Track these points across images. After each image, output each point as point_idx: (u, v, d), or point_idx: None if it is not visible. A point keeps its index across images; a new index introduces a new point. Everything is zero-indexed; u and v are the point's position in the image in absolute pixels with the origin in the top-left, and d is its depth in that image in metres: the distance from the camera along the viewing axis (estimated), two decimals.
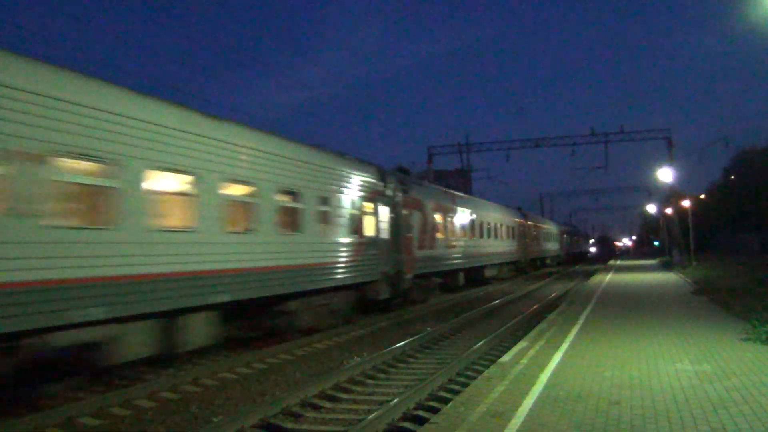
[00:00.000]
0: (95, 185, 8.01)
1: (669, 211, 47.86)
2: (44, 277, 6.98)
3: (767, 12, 13.07)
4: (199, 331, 9.67)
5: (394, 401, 7.53)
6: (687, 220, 37.95)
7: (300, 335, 12.66)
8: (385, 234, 16.45)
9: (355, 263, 14.52)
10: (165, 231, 8.94)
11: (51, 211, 7.17)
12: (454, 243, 23.43)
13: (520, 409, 6.16)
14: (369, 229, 15.54)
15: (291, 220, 12.11)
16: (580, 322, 12.87)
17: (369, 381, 9.56)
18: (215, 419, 7.47)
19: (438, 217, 21.73)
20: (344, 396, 8.58)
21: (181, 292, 9.02)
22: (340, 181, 14.18)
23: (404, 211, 18.05)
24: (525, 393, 6.82)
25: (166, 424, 7.41)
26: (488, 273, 29.56)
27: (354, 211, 14.65)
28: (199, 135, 9.70)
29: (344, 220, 14.12)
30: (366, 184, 15.51)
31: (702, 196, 65.28)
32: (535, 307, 19.19)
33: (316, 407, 8.00)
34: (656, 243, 78.80)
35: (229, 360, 10.71)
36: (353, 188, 14.79)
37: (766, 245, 52.21)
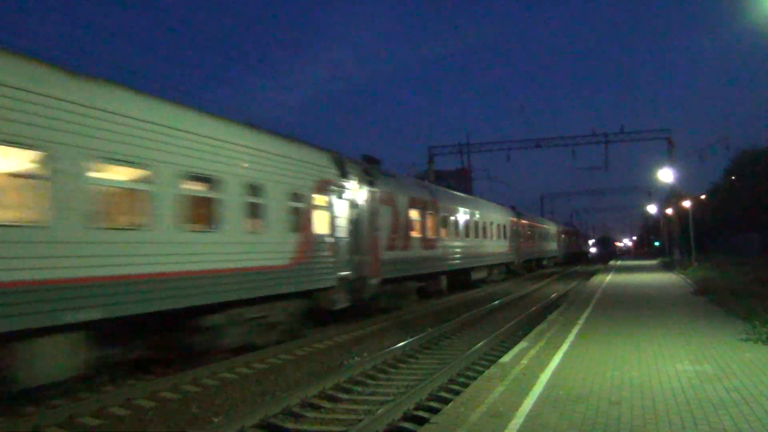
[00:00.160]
0: None
1: (669, 211, 47.87)
2: None
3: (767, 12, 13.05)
4: (50, 360, 7.34)
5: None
6: (687, 221, 37.95)
7: (232, 354, 10.76)
8: (343, 232, 14.15)
9: (302, 267, 12.21)
10: None
11: None
12: (434, 243, 20.89)
13: (521, 410, 6.15)
14: (321, 226, 13.16)
15: (204, 213, 9.87)
16: (581, 322, 12.86)
17: (369, 381, 9.56)
18: (216, 419, 7.49)
19: (413, 214, 19.18)
20: (344, 396, 8.58)
21: (18, 309, 6.71)
22: (278, 167, 11.69)
23: (369, 206, 15.72)
24: (525, 393, 6.82)
25: (166, 424, 7.41)
26: (476, 276, 27.06)
27: (299, 205, 12.31)
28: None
29: (283, 215, 11.75)
30: (316, 173, 13.14)
31: (703, 197, 65.22)
32: (535, 307, 19.18)
33: (316, 407, 8.01)
34: (657, 243, 78.78)
35: (229, 360, 10.71)
36: (298, 177, 12.36)
37: (766, 246, 52.17)
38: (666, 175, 37.63)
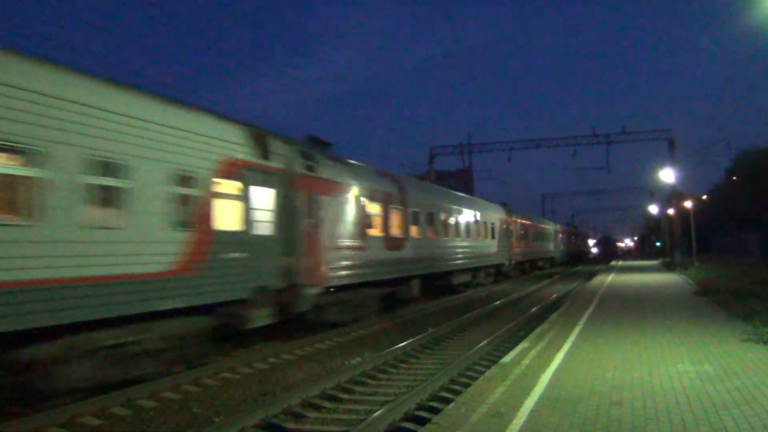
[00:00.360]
0: None
1: (671, 211, 47.82)
2: None
3: None
4: None
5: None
6: (689, 221, 37.90)
7: (70, 397, 7.81)
8: (265, 229, 11.34)
9: (194, 274, 9.32)
10: None
11: None
12: (402, 243, 17.73)
13: (522, 410, 6.15)
14: (228, 220, 10.42)
15: (10, 198, 7.01)
16: (582, 323, 12.85)
17: (370, 381, 9.56)
18: (216, 419, 7.49)
19: (374, 208, 16.10)
20: (345, 396, 8.58)
21: None
22: (152, 139, 8.81)
23: (308, 198, 12.72)
24: (526, 394, 6.82)
25: (167, 425, 7.42)
26: (458, 280, 24.03)
27: (190, 192, 9.44)
28: None
29: (162, 205, 8.91)
30: (221, 151, 10.21)
31: (704, 197, 65.24)
32: (536, 308, 19.18)
33: (317, 407, 8.01)
34: (658, 244, 78.71)
35: (230, 360, 10.71)
36: (189, 155, 9.45)
37: (767, 246, 52.13)
38: (667, 175, 37.61)
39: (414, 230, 18.89)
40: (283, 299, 11.81)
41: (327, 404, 8.16)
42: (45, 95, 7.24)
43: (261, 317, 11.20)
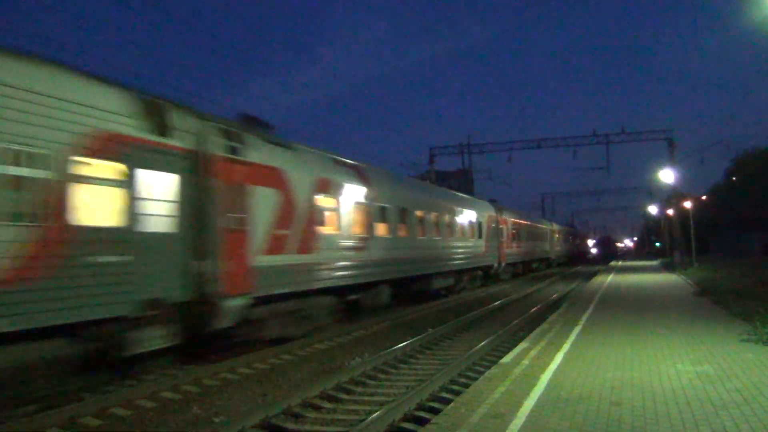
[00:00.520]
0: None
1: (670, 212, 47.83)
2: None
3: None
4: None
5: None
6: (688, 221, 37.92)
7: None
8: (160, 225, 9.09)
9: (36, 285, 7.04)
10: None
11: None
12: (364, 242, 15.24)
13: (521, 410, 6.16)
14: (98, 213, 8.21)
15: None
16: (582, 323, 12.86)
17: (370, 381, 9.56)
18: (216, 419, 7.51)
19: (327, 202, 13.70)
20: (345, 397, 8.59)
21: None
22: None
23: (230, 186, 10.30)
24: (526, 394, 6.82)
25: (167, 425, 7.42)
26: (438, 284, 21.60)
27: (31, 173, 7.13)
28: None
29: None
30: (87, 122, 7.88)
31: (703, 197, 65.23)
32: (536, 308, 19.19)
33: (317, 408, 8.02)
34: (658, 244, 78.76)
35: (230, 360, 10.71)
36: (28, 123, 7.10)
37: (767, 246, 52.16)
38: (667, 175, 37.62)
39: (381, 228, 16.61)
40: (192, 314, 9.51)
41: (327, 405, 8.16)
42: None
43: (153, 339, 8.83)
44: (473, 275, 26.84)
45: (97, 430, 7.26)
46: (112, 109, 8.38)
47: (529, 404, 6.39)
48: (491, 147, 43.18)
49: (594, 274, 36.50)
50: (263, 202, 11.23)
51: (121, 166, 8.44)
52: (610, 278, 29.41)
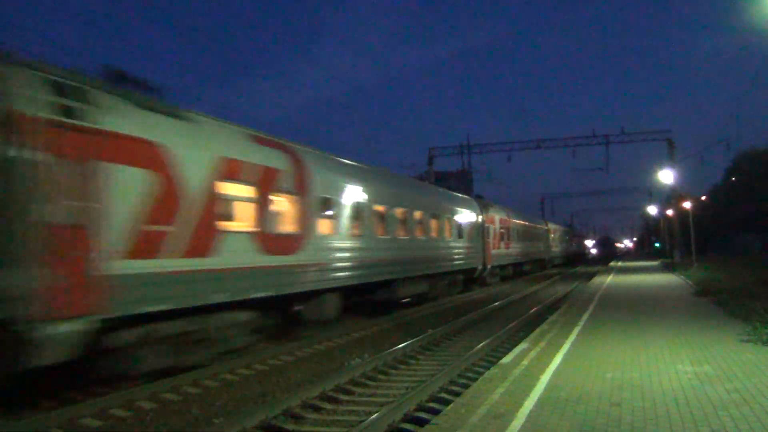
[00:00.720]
0: None
1: (670, 212, 47.87)
2: None
3: None
4: None
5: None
6: (688, 222, 37.94)
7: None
8: None
9: None
10: None
11: None
12: (298, 241, 12.20)
13: (521, 411, 6.16)
14: None
15: None
16: (581, 323, 12.86)
17: (370, 382, 9.57)
18: (216, 420, 7.51)
19: (238, 190, 10.59)
20: (345, 397, 8.59)
21: None
22: None
23: (65, 163, 7.23)
24: (526, 394, 6.82)
25: (167, 426, 7.43)
26: (406, 291, 18.26)
27: None
28: None
29: None
30: None
31: (703, 198, 65.27)
32: (535, 309, 19.19)
33: (317, 408, 8.02)
34: (657, 244, 78.76)
35: (229, 361, 10.71)
36: None
37: (767, 246, 52.20)
38: (666, 176, 37.64)
39: (324, 225, 13.41)
40: None
41: (327, 405, 8.17)
42: None
43: None
44: (452, 280, 23.60)
45: (97, 431, 7.26)
46: None
47: (529, 405, 6.39)
48: (490, 147, 43.29)
49: (593, 274, 36.49)
50: (129, 188, 8.15)
51: None
52: (610, 279, 29.40)
